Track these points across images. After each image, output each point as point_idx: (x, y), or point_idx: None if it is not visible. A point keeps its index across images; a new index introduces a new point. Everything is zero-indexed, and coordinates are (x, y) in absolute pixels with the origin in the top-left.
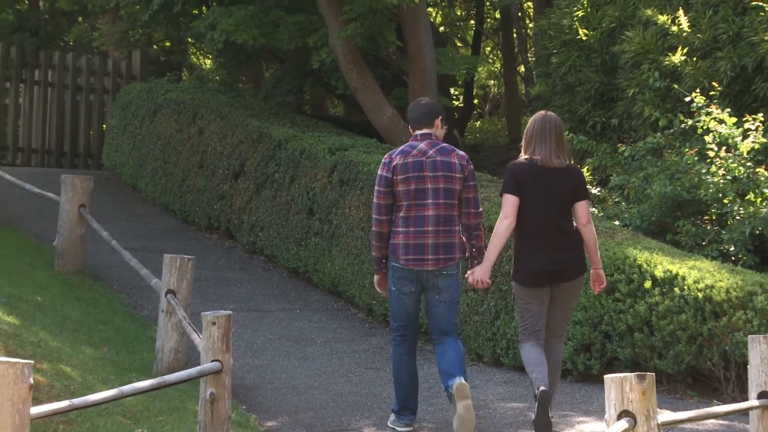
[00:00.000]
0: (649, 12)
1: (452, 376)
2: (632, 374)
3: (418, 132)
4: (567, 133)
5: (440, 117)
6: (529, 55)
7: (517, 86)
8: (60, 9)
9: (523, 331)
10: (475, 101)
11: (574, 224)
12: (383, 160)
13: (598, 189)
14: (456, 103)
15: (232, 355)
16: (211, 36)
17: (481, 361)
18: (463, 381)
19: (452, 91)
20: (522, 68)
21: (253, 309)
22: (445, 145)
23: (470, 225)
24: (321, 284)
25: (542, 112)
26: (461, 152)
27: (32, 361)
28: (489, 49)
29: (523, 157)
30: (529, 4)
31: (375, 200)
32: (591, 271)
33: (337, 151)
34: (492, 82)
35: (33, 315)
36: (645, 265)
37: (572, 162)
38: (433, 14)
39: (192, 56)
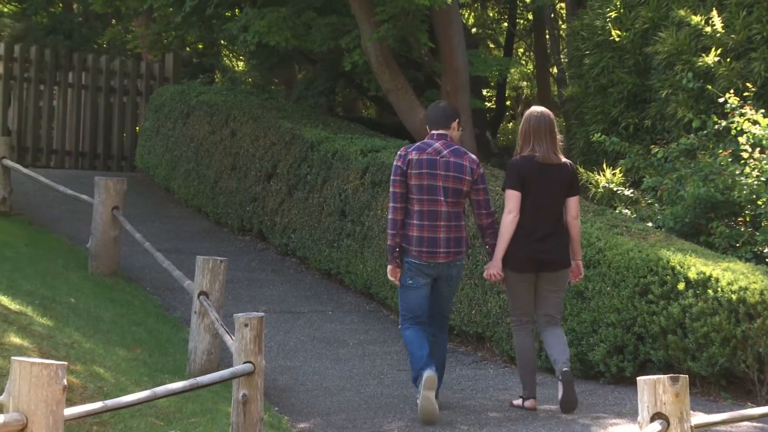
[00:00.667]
0: (682, 13)
1: (428, 366)
2: (665, 376)
3: (435, 132)
4: (600, 134)
5: (457, 120)
6: (561, 56)
7: (549, 88)
8: (94, 12)
9: (515, 316)
10: (508, 103)
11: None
12: (399, 153)
13: (631, 191)
14: (488, 104)
15: (264, 356)
16: (244, 38)
17: (513, 363)
18: (433, 373)
19: (484, 92)
20: (554, 70)
21: (286, 311)
22: (459, 147)
23: (483, 225)
24: (353, 286)
25: (535, 108)
26: (473, 156)
27: (66, 363)
28: (521, 50)
29: (522, 153)
30: (562, 5)
31: (392, 189)
32: (572, 263)
33: (369, 152)
34: (524, 83)
35: (67, 317)
36: (678, 267)
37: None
38: (466, 16)
39: (225, 58)
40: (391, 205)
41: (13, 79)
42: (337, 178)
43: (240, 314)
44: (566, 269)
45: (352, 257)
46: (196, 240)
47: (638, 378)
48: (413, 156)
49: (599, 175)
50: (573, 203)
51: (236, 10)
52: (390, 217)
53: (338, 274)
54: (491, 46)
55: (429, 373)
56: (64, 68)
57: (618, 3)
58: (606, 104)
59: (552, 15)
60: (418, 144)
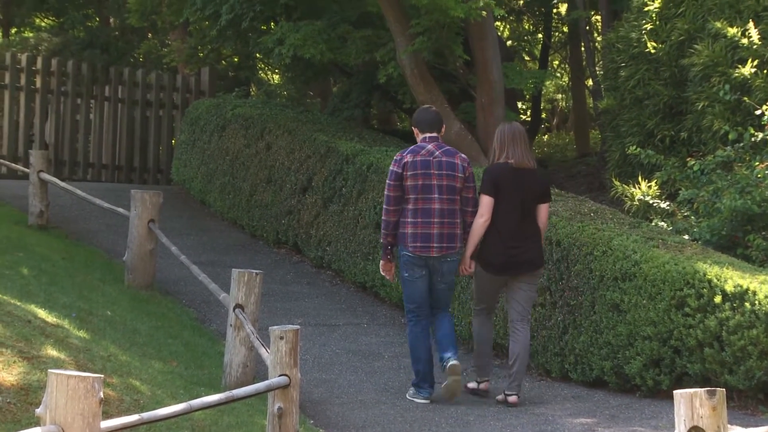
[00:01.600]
0: (718, 24)
1: (447, 350)
2: (702, 390)
3: (426, 135)
4: (635, 147)
5: (443, 125)
6: (597, 68)
7: (585, 100)
8: (130, 26)
9: (477, 305)
10: (543, 115)
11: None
12: (395, 158)
13: (667, 203)
14: (523, 117)
15: (299, 369)
16: (279, 51)
17: (548, 376)
18: (457, 362)
19: (520, 105)
20: (590, 82)
21: (321, 323)
22: (449, 147)
23: (467, 222)
24: (388, 299)
25: (506, 122)
26: (463, 155)
27: (102, 375)
28: (557, 63)
29: (497, 161)
30: (598, 17)
31: (386, 192)
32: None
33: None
34: (560, 95)
35: (103, 329)
36: (715, 280)
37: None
38: (501, 28)
39: (260, 72)
40: (385, 207)
41: (51, 92)
42: (372, 190)
43: (275, 327)
44: (540, 268)
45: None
46: (232, 253)
47: (675, 391)
48: (408, 159)
49: (635, 187)
50: (544, 210)
51: (272, 24)
52: (384, 218)
53: (373, 286)
54: (526, 58)
55: (453, 362)
56: (100, 82)
57: (654, 15)
58: (642, 116)
59: (587, 27)
60: (411, 147)
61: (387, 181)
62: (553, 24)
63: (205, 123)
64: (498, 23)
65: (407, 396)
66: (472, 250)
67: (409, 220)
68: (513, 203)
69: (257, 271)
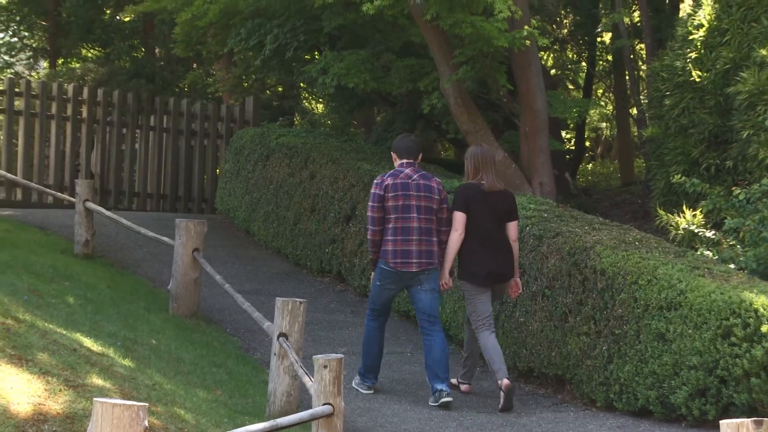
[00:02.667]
0: (764, 52)
1: (438, 379)
2: (749, 420)
3: (404, 161)
4: (680, 175)
5: (421, 153)
6: (641, 97)
7: (629, 128)
8: (175, 56)
9: (479, 322)
10: (587, 144)
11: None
12: (375, 181)
13: (713, 232)
14: (567, 146)
15: (343, 398)
16: (323, 81)
17: (593, 405)
18: (450, 399)
19: (563, 133)
20: (634, 110)
21: None
22: (425, 172)
23: (442, 239)
24: None
25: (479, 146)
26: (438, 179)
27: (147, 404)
28: (601, 91)
29: (470, 180)
30: (642, 46)
31: (369, 213)
32: (511, 280)
33: (448, 194)
34: (604, 124)
35: (148, 358)
36: (762, 309)
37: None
38: (545, 57)
39: (304, 101)
40: (370, 228)
41: (97, 122)
42: None
43: (319, 356)
44: (511, 279)
45: None
46: (276, 281)
47: (721, 421)
48: (389, 181)
49: (680, 216)
50: (513, 227)
51: (315, 53)
52: (369, 237)
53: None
54: (570, 87)
55: (446, 399)
56: (146, 112)
57: (698, 44)
58: (686, 145)
59: (632, 56)
60: (391, 171)
61: (369, 203)
62: (598, 52)
63: (249, 152)
64: (542, 52)
65: (352, 384)
66: (450, 264)
67: (389, 238)
68: (486, 221)
69: (301, 299)
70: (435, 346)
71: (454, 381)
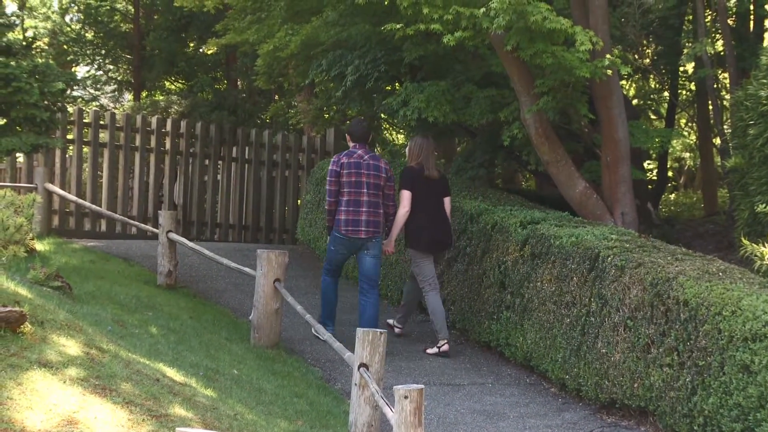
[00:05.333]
0: None
1: (324, 319)
2: None
3: (357, 143)
4: (765, 205)
5: (370, 136)
6: (725, 126)
7: (712, 158)
8: (257, 88)
9: (425, 283)
10: (670, 174)
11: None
12: (333, 160)
13: None
14: (650, 176)
15: (424, 429)
16: (404, 113)
17: None
18: None
19: (646, 163)
20: (718, 140)
21: (445, 383)
22: (375, 154)
23: (389, 213)
24: (513, 358)
25: (419, 136)
26: (385, 160)
27: None
28: (684, 121)
29: (412, 164)
30: (725, 75)
31: (327, 187)
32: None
33: (528, 224)
34: (687, 154)
35: (230, 388)
36: None
37: (441, 170)
38: (627, 87)
39: (385, 131)
40: (328, 199)
41: (180, 154)
42: (496, 250)
43: (400, 386)
44: (450, 246)
45: (511, 329)
46: (356, 312)
47: None
48: (344, 160)
49: (765, 246)
50: (447, 202)
51: (396, 84)
52: (327, 207)
53: (498, 346)
54: (653, 116)
55: (329, 331)
56: (228, 143)
57: None
58: None
59: (715, 85)
60: (346, 152)
61: (328, 178)
62: (680, 82)
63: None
64: (623, 82)
65: (312, 332)
66: (396, 233)
67: (343, 208)
68: (428, 198)
69: (382, 330)
70: (369, 307)
71: (390, 322)
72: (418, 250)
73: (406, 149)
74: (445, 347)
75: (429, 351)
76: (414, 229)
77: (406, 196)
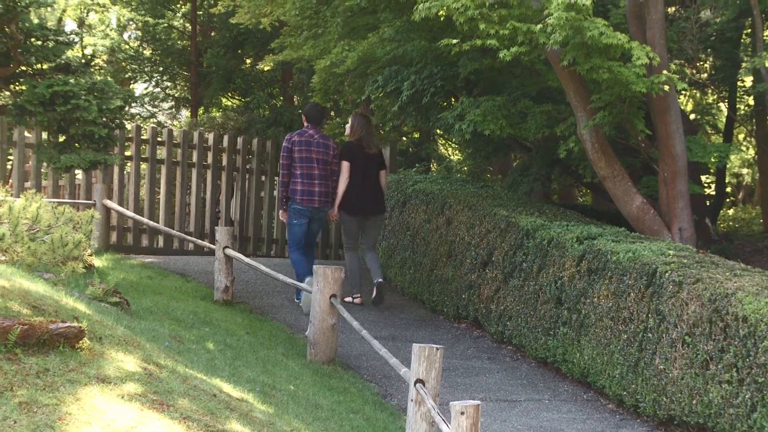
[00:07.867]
0: None
1: (308, 274)
2: None
3: (309, 124)
4: None
5: (324, 118)
6: None
7: None
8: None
9: (347, 243)
10: (728, 189)
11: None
12: (286, 137)
13: None
14: (708, 191)
15: None
16: (459, 127)
17: None
18: (311, 278)
19: (703, 178)
20: None
21: (502, 399)
22: (324, 134)
23: (334, 186)
24: (570, 374)
25: (358, 114)
26: (333, 140)
27: None
28: (742, 135)
29: (351, 139)
30: None
31: (281, 161)
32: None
33: (585, 240)
34: (745, 170)
35: (286, 404)
36: None
37: (378, 146)
38: (684, 101)
39: (440, 147)
40: (281, 171)
41: (236, 170)
42: (552, 265)
43: (456, 402)
44: (383, 213)
45: (568, 345)
46: (412, 327)
47: None
48: (296, 138)
49: None
50: (383, 174)
51: (452, 99)
52: (281, 180)
53: (554, 362)
54: (710, 131)
55: (309, 279)
56: None
57: None
58: None
59: None
60: (299, 131)
61: (281, 153)
62: (738, 96)
63: (386, 198)
64: (681, 97)
65: (296, 299)
66: (339, 201)
67: (298, 180)
68: (363, 170)
69: (438, 345)
70: (308, 261)
71: (348, 299)
72: (345, 211)
73: (347, 126)
74: (359, 299)
75: (346, 299)
76: (346, 193)
77: (345, 166)
